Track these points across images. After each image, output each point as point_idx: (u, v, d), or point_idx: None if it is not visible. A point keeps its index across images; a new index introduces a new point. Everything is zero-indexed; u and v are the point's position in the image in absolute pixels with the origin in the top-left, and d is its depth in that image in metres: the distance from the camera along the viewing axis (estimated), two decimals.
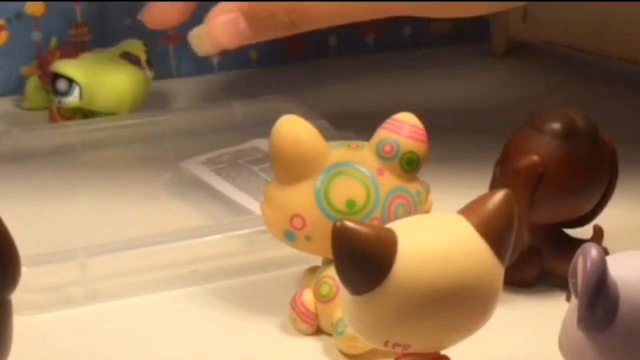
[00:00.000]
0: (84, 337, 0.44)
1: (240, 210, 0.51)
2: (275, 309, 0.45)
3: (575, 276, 0.35)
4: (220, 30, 0.55)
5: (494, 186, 0.46)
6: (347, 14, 0.54)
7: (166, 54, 0.71)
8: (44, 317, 0.45)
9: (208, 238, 0.47)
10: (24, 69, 0.68)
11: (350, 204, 0.42)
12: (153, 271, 0.47)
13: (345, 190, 0.42)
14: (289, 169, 0.43)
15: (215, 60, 0.72)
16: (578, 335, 0.35)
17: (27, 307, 0.45)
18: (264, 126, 0.58)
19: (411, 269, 0.35)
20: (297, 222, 0.42)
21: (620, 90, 0.69)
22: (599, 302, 0.34)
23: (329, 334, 0.43)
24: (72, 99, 0.61)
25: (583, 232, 0.47)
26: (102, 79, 0.61)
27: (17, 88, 0.67)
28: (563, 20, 0.71)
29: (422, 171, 0.44)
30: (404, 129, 0.43)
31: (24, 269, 0.36)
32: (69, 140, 0.60)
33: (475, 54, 0.75)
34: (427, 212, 0.44)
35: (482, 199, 0.36)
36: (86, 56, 0.63)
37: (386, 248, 0.34)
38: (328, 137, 0.44)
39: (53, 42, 0.66)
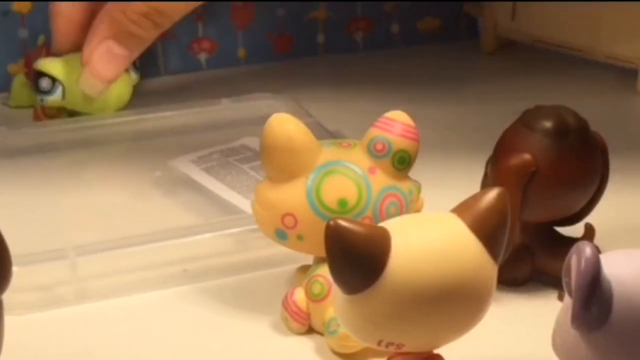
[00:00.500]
0: (75, 336, 0.44)
1: (230, 208, 0.51)
2: (267, 308, 0.45)
3: (569, 275, 0.35)
4: (99, 64, 0.59)
5: (486, 184, 0.46)
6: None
7: (154, 52, 0.70)
8: (34, 316, 0.45)
9: (198, 237, 0.47)
10: (10, 67, 0.67)
11: (342, 202, 0.42)
12: (143, 270, 0.47)
13: (337, 188, 0.42)
14: (280, 167, 0.42)
15: (203, 58, 0.72)
16: (572, 333, 0.35)
17: (17, 307, 0.44)
18: (253, 124, 0.58)
19: (404, 268, 0.34)
20: (289, 221, 0.42)
21: (609, 88, 0.69)
22: (593, 301, 0.34)
23: (321, 333, 0.43)
24: (55, 98, 0.61)
25: (574, 230, 0.47)
26: None
27: (3, 86, 0.67)
28: (551, 18, 0.71)
29: (413, 169, 0.44)
30: (395, 127, 0.43)
31: (13, 269, 0.36)
32: (57, 139, 0.59)
33: (464, 52, 0.75)
34: (418, 210, 0.44)
35: (475, 198, 0.36)
36: (71, 56, 0.63)
37: (380, 247, 0.34)
38: (318, 136, 0.44)
39: (40, 39, 0.66)
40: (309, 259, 0.45)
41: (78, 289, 0.46)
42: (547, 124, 0.44)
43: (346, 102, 0.66)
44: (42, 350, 0.43)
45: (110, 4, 0.59)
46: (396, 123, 0.43)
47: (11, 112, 0.65)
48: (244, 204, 0.50)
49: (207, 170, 0.54)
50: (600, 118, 0.49)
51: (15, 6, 0.67)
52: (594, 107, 0.54)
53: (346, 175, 0.42)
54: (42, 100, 0.61)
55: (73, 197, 0.55)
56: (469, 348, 0.38)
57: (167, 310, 0.46)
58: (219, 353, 0.43)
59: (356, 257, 0.34)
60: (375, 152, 0.43)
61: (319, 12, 0.74)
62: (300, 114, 0.56)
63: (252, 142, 0.56)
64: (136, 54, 0.60)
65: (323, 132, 0.55)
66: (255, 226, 0.44)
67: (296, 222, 0.42)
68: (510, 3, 0.73)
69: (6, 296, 0.36)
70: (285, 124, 0.42)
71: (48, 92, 0.61)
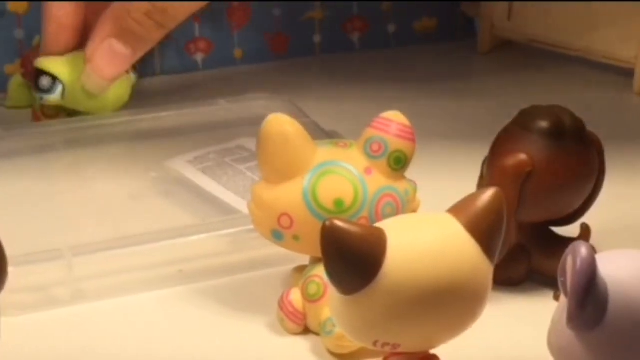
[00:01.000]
0: (70, 337, 0.44)
1: (227, 209, 0.51)
2: (263, 308, 0.45)
3: (564, 274, 0.35)
4: (102, 62, 0.58)
5: (482, 184, 0.46)
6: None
7: (151, 52, 0.70)
8: (30, 317, 0.45)
9: (195, 237, 0.47)
10: (7, 67, 0.67)
11: (338, 202, 0.42)
12: (139, 271, 0.47)
13: (333, 189, 0.42)
14: (276, 167, 0.42)
15: (199, 58, 0.72)
16: (567, 333, 0.35)
17: (12, 308, 0.44)
18: (250, 124, 0.58)
19: (401, 268, 0.35)
20: (285, 221, 0.42)
21: (605, 88, 0.69)
22: (589, 301, 0.34)
23: (317, 334, 0.43)
24: (54, 97, 0.61)
25: (571, 230, 0.47)
26: None
27: None
28: (548, 18, 0.71)
29: (409, 169, 0.44)
30: (391, 127, 0.43)
31: (9, 269, 0.36)
32: (53, 139, 0.59)
33: (460, 52, 0.75)
34: (414, 210, 0.44)
35: (471, 198, 0.36)
36: (72, 55, 0.63)
37: (376, 247, 0.34)
38: (315, 136, 0.44)
39: (36, 40, 0.66)
40: (305, 260, 0.45)
41: (74, 290, 0.46)
42: (543, 124, 0.44)
43: (342, 102, 0.66)
44: (37, 352, 0.43)
45: (115, 3, 0.59)
46: (392, 123, 0.43)
47: (8, 113, 0.65)
48: (240, 204, 0.50)
49: (204, 171, 0.54)
50: (596, 118, 0.49)
51: (12, 6, 0.67)
52: (591, 107, 0.54)
53: (342, 176, 0.42)
54: (41, 98, 0.61)
55: (69, 197, 0.55)
56: (465, 348, 0.38)
57: (163, 311, 0.46)
58: (214, 353, 0.43)
59: (352, 258, 0.34)
60: (371, 153, 0.43)
61: (315, 12, 0.74)
62: (297, 114, 0.56)
63: (249, 142, 0.56)
64: (139, 54, 0.60)
65: (319, 132, 0.55)
66: (251, 226, 0.44)
67: (292, 222, 0.42)
68: (506, 3, 0.73)
69: (2, 297, 0.36)
70: (281, 124, 0.42)
71: (48, 90, 0.61)
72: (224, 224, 0.48)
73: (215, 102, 0.63)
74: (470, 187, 0.47)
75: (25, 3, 0.67)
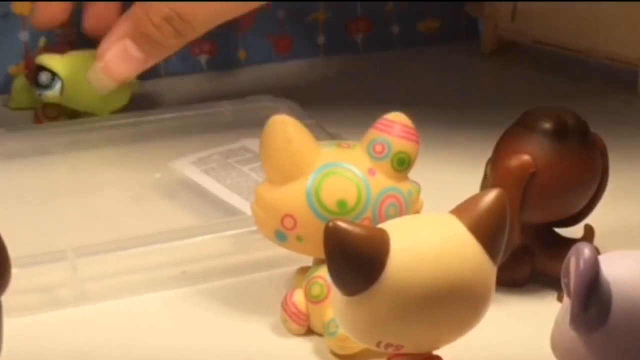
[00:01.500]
0: (74, 338, 0.44)
1: (230, 210, 0.51)
2: (266, 309, 0.45)
3: (567, 276, 0.35)
4: (114, 62, 0.57)
5: (485, 185, 0.46)
6: (222, 12, 0.57)
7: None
8: (34, 318, 0.45)
9: (198, 238, 0.47)
10: (11, 69, 0.67)
11: (342, 204, 0.42)
12: (143, 272, 0.47)
13: (336, 190, 0.42)
14: (279, 168, 0.42)
15: (204, 59, 0.72)
16: (570, 334, 0.35)
17: (16, 309, 0.44)
18: (253, 126, 0.58)
19: (403, 269, 0.35)
20: (288, 222, 0.42)
21: (609, 89, 0.69)
22: (592, 302, 0.34)
23: (320, 335, 0.43)
24: (53, 93, 0.61)
25: (574, 231, 0.47)
26: (85, 76, 0.61)
27: (4, 88, 0.67)
28: (552, 19, 0.71)
29: (413, 170, 0.44)
30: (394, 128, 0.43)
31: (13, 270, 0.36)
32: (57, 141, 0.59)
33: (464, 53, 0.75)
34: (418, 211, 0.44)
35: (475, 199, 0.36)
36: (73, 53, 0.63)
37: (378, 248, 0.34)
38: (318, 137, 0.44)
39: (41, 41, 0.66)
40: (308, 261, 0.45)
41: (78, 291, 0.46)
42: (547, 125, 0.44)
43: (346, 104, 0.66)
44: (41, 353, 0.43)
45: (137, 3, 0.57)
46: (395, 124, 0.43)
47: (11, 114, 0.65)
48: (244, 205, 0.50)
49: (207, 172, 0.54)
50: (600, 119, 0.49)
51: (16, 8, 0.67)
52: (594, 108, 0.54)
53: (346, 177, 0.42)
54: (40, 94, 0.61)
55: (73, 198, 0.56)
56: (469, 349, 0.38)
57: (166, 312, 0.46)
58: (218, 354, 0.43)
59: (355, 259, 0.34)
60: (374, 154, 0.43)
61: (318, 13, 0.74)
62: (300, 115, 0.56)
63: (252, 143, 0.56)
64: (153, 60, 0.58)
65: (323, 134, 0.55)
66: (254, 228, 0.44)
67: (295, 223, 0.42)
68: (510, 3, 0.73)
69: (5, 298, 0.36)
70: (284, 126, 0.42)
71: (46, 86, 0.61)
72: (228, 225, 0.48)
73: (219, 104, 0.63)
74: (474, 188, 0.47)
75: (29, 5, 0.67)
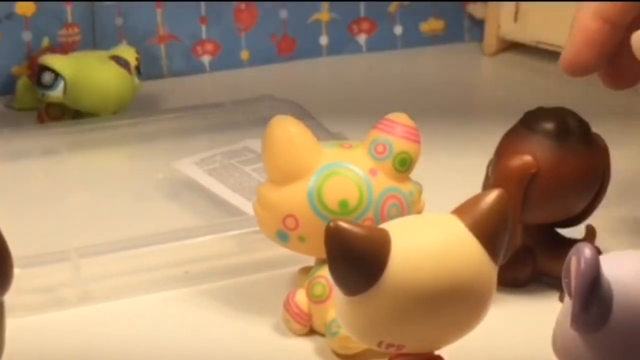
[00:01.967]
0: (77, 338, 0.44)
1: (232, 210, 0.51)
2: (268, 309, 0.45)
3: (568, 276, 0.35)
4: None
5: (487, 186, 0.46)
6: None
7: (158, 54, 0.71)
8: (37, 318, 0.45)
9: (200, 239, 0.47)
10: (15, 69, 0.68)
11: (343, 204, 0.42)
12: (145, 272, 0.47)
13: (338, 190, 0.42)
14: (281, 169, 0.42)
15: (206, 60, 0.72)
16: (572, 334, 0.35)
17: (19, 309, 0.44)
18: (256, 126, 0.58)
19: (405, 269, 0.35)
20: (290, 223, 0.42)
21: (610, 89, 0.69)
22: (593, 302, 0.34)
23: (322, 335, 0.43)
24: (56, 93, 0.61)
25: (575, 231, 0.47)
26: (88, 76, 0.61)
27: (7, 88, 0.67)
28: (554, 20, 0.71)
29: (415, 171, 0.44)
30: (396, 129, 0.43)
31: (16, 271, 0.36)
32: (61, 141, 0.59)
33: (466, 53, 0.75)
34: (419, 212, 0.44)
35: (476, 199, 0.36)
36: (76, 54, 0.63)
37: (380, 249, 0.34)
38: (320, 137, 0.44)
39: (45, 42, 0.66)
40: (310, 261, 0.45)
41: (80, 291, 0.46)
42: (548, 126, 0.44)
43: (348, 104, 0.66)
44: (44, 353, 0.43)
45: None
46: (397, 125, 0.43)
47: (15, 114, 0.65)
48: (246, 205, 0.50)
49: (210, 172, 0.54)
50: (601, 120, 0.49)
51: (19, 9, 0.67)
52: (596, 109, 0.54)
53: (347, 177, 0.42)
54: (42, 94, 0.62)
55: (76, 198, 0.56)
56: (470, 349, 0.38)
57: (168, 312, 0.46)
58: (220, 354, 0.43)
59: (356, 259, 0.34)
60: (376, 154, 0.43)
61: (321, 14, 0.74)
62: (303, 115, 0.56)
63: (255, 144, 0.56)
64: None
65: (325, 134, 0.55)
66: (257, 228, 0.44)
67: (297, 223, 0.42)
68: (513, 4, 0.73)
69: (8, 298, 0.36)
70: (286, 126, 0.43)
71: (49, 86, 0.61)
72: (230, 226, 0.48)
73: (222, 104, 0.63)
74: (475, 188, 0.47)
75: (32, 5, 0.67)
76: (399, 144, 0.43)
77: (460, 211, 0.36)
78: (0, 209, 0.53)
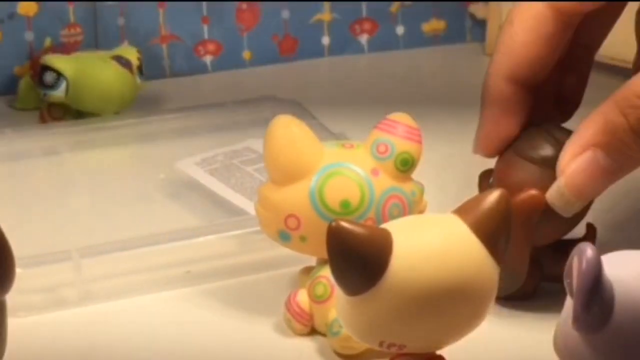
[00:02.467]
0: (78, 338, 0.44)
1: (234, 210, 0.51)
2: (270, 309, 0.45)
3: (570, 276, 0.35)
4: (579, 177, 0.43)
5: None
6: None
7: (160, 54, 0.71)
8: (38, 318, 0.45)
9: (202, 239, 0.47)
10: (17, 69, 0.68)
11: (345, 204, 0.42)
12: (147, 272, 0.47)
13: (339, 190, 0.42)
14: (283, 169, 0.42)
15: (208, 60, 0.72)
16: (573, 335, 0.35)
17: (21, 309, 0.44)
18: (258, 126, 0.58)
19: (406, 269, 0.35)
20: (292, 223, 0.42)
21: (610, 90, 0.69)
22: (594, 302, 0.34)
23: (324, 335, 0.43)
24: (58, 94, 0.61)
25: (575, 230, 0.46)
26: (90, 76, 0.61)
27: (9, 88, 0.67)
28: None
29: (416, 171, 0.44)
30: (398, 129, 0.43)
31: (17, 270, 0.36)
32: (62, 141, 0.60)
33: (468, 53, 0.75)
34: (421, 212, 0.44)
35: (477, 199, 0.36)
36: (78, 54, 0.63)
37: (381, 249, 0.34)
38: (322, 138, 0.44)
39: (47, 42, 0.66)
40: (312, 261, 0.45)
41: (82, 291, 0.46)
42: (545, 153, 0.43)
43: (350, 104, 0.66)
44: (45, 353, 0.43)
45: (611, 100, 0.45)
46: (399, 125, 0.43)
47: (17, 114, 0.65)
48: (248, 205, 0.50)
49: (211, 173, 0.54)
50: None
51: (21, 9, 0.67)
52: (595, 108, 0.54)
53: (349, 177, 0.42)
54: (44, 94, 0.62)
55: (77, 198, 0.56)
56: (471, 349, 0.38)
57: (170, 312, 0.46)
58: (222, 354, 0.43)
59: (357, 259, 0.34)
60: (378, 154, 0.43)
61: (323, 14, 0.74)
62: (304, 116, 0.56)
63: (256, 144, 0.56)
64: (625, 172, 0.43)
65: (327, 134, 0.55)
66: (258, 228, 0.44)
67: (299, 223, 0.42)
68: (514, 5, 0.72)
69: (10, 298, 0.36)
70: (288, 127, 0.43)
71: (51, 86, 0.61)
72: (232, 226, 0.48)
73: (224, 104, 0.63)
74: (476, 188, 0.47)
75: (35, 5, 0.67)
76: (401, 144, 0.43)
77: (461, 211, 0.36)
78: (1, 208, 0.53)
